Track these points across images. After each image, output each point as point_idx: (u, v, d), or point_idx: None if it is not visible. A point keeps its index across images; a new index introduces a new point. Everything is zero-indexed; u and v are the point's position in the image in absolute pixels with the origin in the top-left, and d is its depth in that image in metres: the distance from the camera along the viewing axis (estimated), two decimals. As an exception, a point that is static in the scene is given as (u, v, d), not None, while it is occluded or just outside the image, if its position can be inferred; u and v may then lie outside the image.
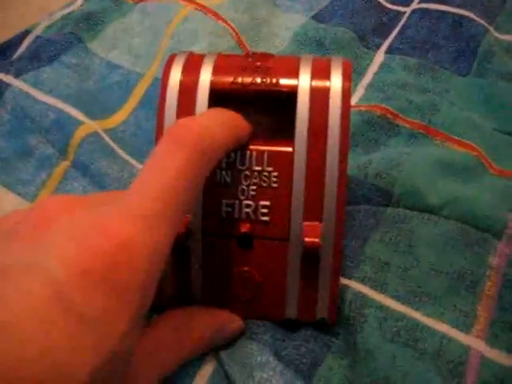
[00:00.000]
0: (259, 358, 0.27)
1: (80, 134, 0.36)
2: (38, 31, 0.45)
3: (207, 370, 0.27)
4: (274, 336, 0.28)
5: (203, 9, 0.43)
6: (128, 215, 0.19)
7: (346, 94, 0.26)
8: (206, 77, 0.27)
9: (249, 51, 0.42)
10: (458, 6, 0.45)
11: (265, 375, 0.26)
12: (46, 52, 0.42)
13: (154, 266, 0.19)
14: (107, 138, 0.37)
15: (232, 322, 0.28)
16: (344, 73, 0.27)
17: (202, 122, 0.23)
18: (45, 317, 0.17)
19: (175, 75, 0.27)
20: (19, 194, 0.35)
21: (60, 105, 0.38)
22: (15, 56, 0.43)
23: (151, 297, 0.20)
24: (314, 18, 0.45)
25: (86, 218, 0.19)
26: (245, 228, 0.27)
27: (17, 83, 0.39)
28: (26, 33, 0.45)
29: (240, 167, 0.27)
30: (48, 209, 0.21)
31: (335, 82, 0.26)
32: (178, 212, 0.21)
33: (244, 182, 0.27)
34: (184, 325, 0.26)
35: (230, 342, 0.28)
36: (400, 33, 0.45)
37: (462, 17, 0.44)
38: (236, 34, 0.42)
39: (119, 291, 0.18)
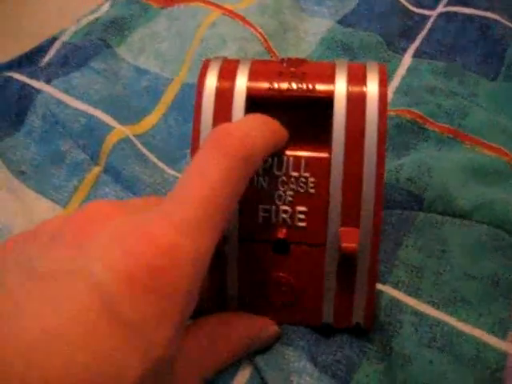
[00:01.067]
0: (296, 364, 0.27)
1: (112, 139, 0.36)
2: (65, 37, 0.45)
3: (244, 375, 0.27)
4: (309, 342, 0.28)
5: (230, 14, 0.43)
6: (171, 222, 0.19)
7: (383, 99, 0.26)
8: (242, 82, 0.27)
9: (278, 56, 0.42)
10: (485, 9, 0.45)
11: (302, 381, 0.26)
12: (74, 58, 0.42)
13: (196, 271, 0.20)
14: (138, 144, 0.37)
15: (268, 327, 0.28)
16: (380, 78, 0.27)
17: (243, 127, 0.23)
18: (92, 323, 0.17)
19: (211, 81, 0.27)
20: (52, 200, 0.35)
21: (91, 110, 0.38)
22: (43, 63, 0.43)
23: (194, 302, 0.20)
24: (340, 22, 0.45)
25: (129, 224, 0.20)
26: (281, 233, 0.27)
27: (48, 89, 0.39)
28: (54, 39, 0.45)
29: (277, 173, 0.27)
30: (91, 214, 0.21)
31: (372, 87, 0.26)
32: (219, 219, 0.21)
33: (281, 188, 0.27)
34: (222, 331, 0.26)
35: (265, 348, 0.28)
36: (427, 36, 0.44)
37: (489, 20, 0.44)
38: (264, 39, 0.42)
39: (164, 297, 0.18)
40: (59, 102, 0.38)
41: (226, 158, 0.21)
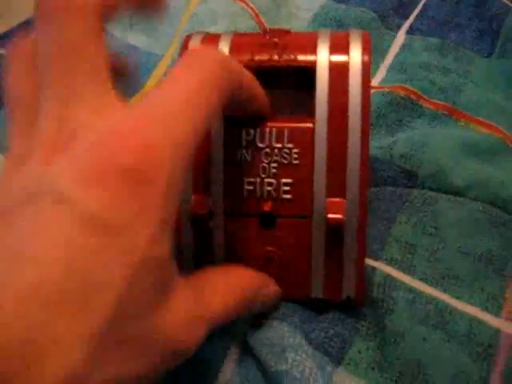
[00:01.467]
0: (291, 340, 0.26)
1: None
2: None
3: (235, 352, 0.27)
4: (301, 318, 0.28)
5: (222, -12, 0.42)
6: (145, 118, 0.19)
7: (366, 68, 0.26)
8: None
9: (266, 28, 0.41)
10: (481, -15, 0.44)
11: (298, 357, 0.26)
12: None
13: (176, 168, 0.19)
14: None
15: (269, 284, 0.27)
16: (363, 46, 0.26)
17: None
18: (63, 234, 0.16)
19: None
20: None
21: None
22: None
23: (176, 202, 0.19)
24: (333, -2, 0.45)
25: (97, 130, 0.18)
26: (267, 206, 0.27)
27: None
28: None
29: (260, 145, 0.26)
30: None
31: (354, 56, 0.26)
32: (198, 112, 0.20)
33: (265, 160, 0.26)
34: (225, 279, 0.25)
35: (257, 323, 0.27)
36: (421, 13, 0.44)
37: (484, -4, 0.44)
38: (255, 14, 0.41)
39: (139, 195, 0.17)
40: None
41: (201, 68, 0.21)
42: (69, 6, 0.19)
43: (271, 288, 0.27)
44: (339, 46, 0.26)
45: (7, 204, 0.18)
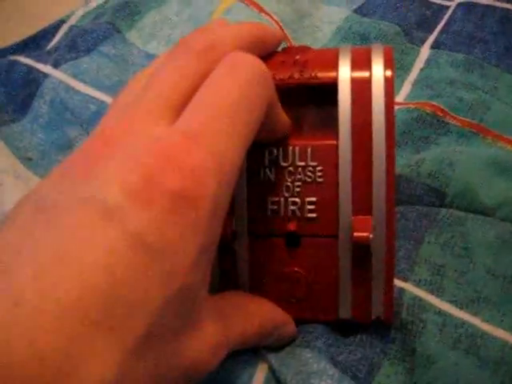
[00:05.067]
0: (315, 366, 0.26)
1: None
2: (72, 21, 0.44)
3: (259, 377, 0.26)
4: (327, 342, 0.27)
5: (246, 0, 0.42)
6: (190, 136, 0.18)
7: (389, 83, 0.25)
8: None
9: (291, 44, 0.41)
10: (506, 1, 0.44)
11: (323, 383, 0.25)
12: (83, 42, 0.41)
13: (221, 189, 0.18)
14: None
15: (288, 324, 0.27)
16: (386, 61, 0.26)
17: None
18: (108, 248, 0.16)
19: None
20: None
21: (101, 96, 0.37)
22: (50, 46, 0.42)
23: (219, 226, 0.19)
24: (357, 11, 0.44)
25: (144, 141, 0.18)
26: (292, 226, 0.26)
27: (56, 74, 0.38)
28: (61, 22, 0.44)
29: (283, 163, 0.26)
30: (104, 136, 0.19)
31: (377, 71, 0.25)
32: (242, 129, 0.19)
33: (288, 179, 0.26)
34: (249, 308, 0.25)
35: (279, 349, 0.27)
36: (445, 27, 0.43)
37: (509, 12, 0.43)
38: (280, 26, 0.41)
39: (186, 220, 0.17)
40: (68, 88, 0.37)
41: (243, 74, 0.20)
42: None
43: (289, 328, 0.27)
44: (361, 61, 0.26)
45: (53, 199, 0.17)
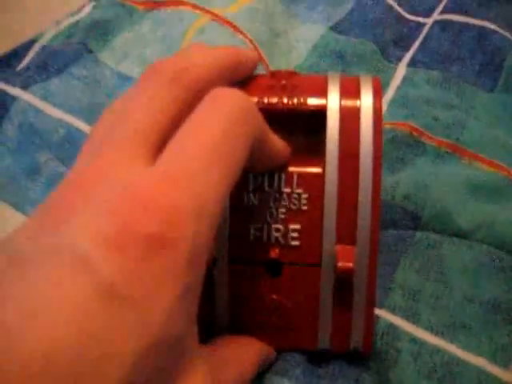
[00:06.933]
0: None
1: (92, 151, 0.34)
2: (44, 40, 0.43)
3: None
4: (304, 372, 0.26)
5: (219, 19, 0.41)
6: (167, 177, 0.17)
7: (378, 113, 0.25)
8: None
9: (268, 65, 0.40)
10: (482, 19, 0.43)
11: None
12: (54, 63, 0.40)
13: (202, 230, 0.17)
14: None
15: (271, 354, 0.26)
16: (374, 91, 0.26)
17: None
18: (78, 299, 0.15)
19: None
20: (27, 215, 0.33)
21: (71, 120, 0.36)
22: (20, 67, 0.41)
23: (202, 267, 0.18)
24: (333, 29, 0.44)
25: (118, 188, 0.17)
26: (274, 253, 0.25)
27: (25, 96, 0.37)
28: (32, 42, 0.43)
29: (268, 189, 0.25)
30: (77, 182, 0.18)
31: (366, 101, 0.25)
32: (224, 168, 0.18)
33: (273, 205, 0.25)
34: (234, 354, 0.24)
35: (257, 376, 0.26)
36: (422, 45, 0.43)
37: (486, 29, 0.43)
38: (254, 46, 0.40)
39: (162, 267, 0.16)
40: (37, 111, 0.36)
41: (225, 112, 0.19)
42: None
43: (271, 357, 0.27)
44: (350, 90, 0.26)
45: (27, 251, 0.17)
